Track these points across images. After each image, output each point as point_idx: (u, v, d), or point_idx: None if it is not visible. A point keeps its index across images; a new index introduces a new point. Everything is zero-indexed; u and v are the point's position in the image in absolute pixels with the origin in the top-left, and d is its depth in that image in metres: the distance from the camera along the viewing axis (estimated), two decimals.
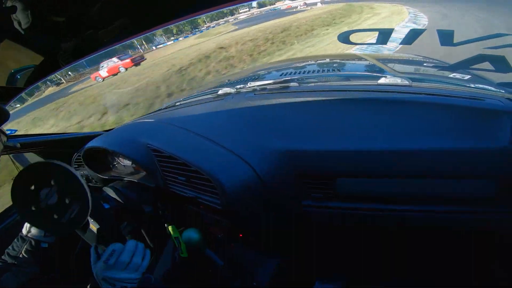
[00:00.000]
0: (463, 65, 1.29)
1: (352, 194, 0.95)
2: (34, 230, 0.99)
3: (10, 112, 0.81)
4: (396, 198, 0.91)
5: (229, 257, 1.24)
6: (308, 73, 1.51)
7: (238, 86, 1.48)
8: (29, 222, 0.93)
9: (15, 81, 0.95)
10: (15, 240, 1.00)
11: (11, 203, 1.17)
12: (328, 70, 1.50)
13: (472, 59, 1.21)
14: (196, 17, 0.81)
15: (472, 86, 1.14)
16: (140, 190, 1.24)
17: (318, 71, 1.52)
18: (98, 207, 0.92)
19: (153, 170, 1.15)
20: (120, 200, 1.17)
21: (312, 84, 1.33)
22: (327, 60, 2.06)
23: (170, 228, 1.14)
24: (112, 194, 1.17)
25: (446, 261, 1.21)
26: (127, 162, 1.33)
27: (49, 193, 0.77)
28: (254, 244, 1.24)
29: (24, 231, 1.00)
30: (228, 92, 1.41)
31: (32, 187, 0.77)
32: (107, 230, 0.89)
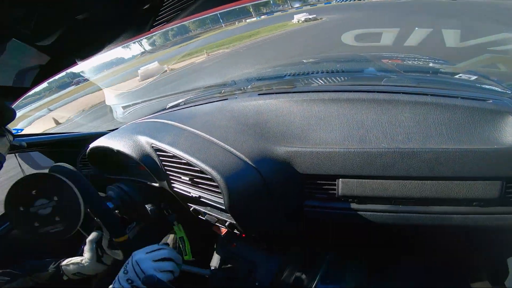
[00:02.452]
0: (470, 65, 1.28)
1: (355, 195, 0.94)
2: (72, 267, 1.02)
3: (17, 111, 0.82)
4: (400, 199, 0.90)
5: (231, 256, 1.24)
6: (313, 73, 1.50)
7: (242, 86, 1.48)
8: (8, 218, 0.91)
9: (22, 80, 0.96)
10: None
11: None
12: (333, 71, 1.50)
13: (479, 59, 1.20)
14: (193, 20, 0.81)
15: (478, 86, 1.13)
16: (144, 189, 1.25)
17: (323, 71, 1.51)
18: (102, 206, 0.92)
19: (157, 170, 1.15)
20: (124, 200, 1.17)
21: (317, 84, 1.32)
22: (332, 60, 2.05)
23: (176, 227, 1.15)
24: (116, 193, 1.18)
25: (451, 263, 1.20)
26: (131, 162, 1.34)
27: (45, 205, 0.78)
28: (256, 243, 1.24)
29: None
30: (232, 91, 1.41)
31: (34, 192, 0.78)
32: (110, 228, 0.90)
